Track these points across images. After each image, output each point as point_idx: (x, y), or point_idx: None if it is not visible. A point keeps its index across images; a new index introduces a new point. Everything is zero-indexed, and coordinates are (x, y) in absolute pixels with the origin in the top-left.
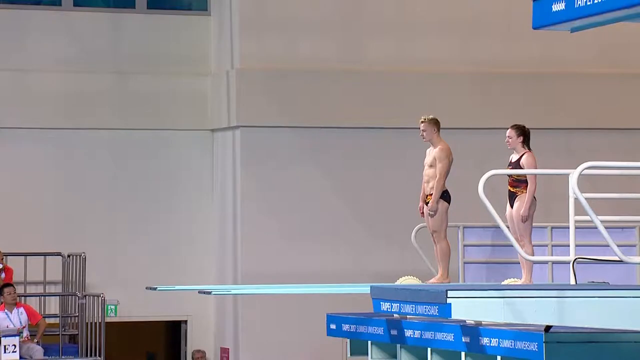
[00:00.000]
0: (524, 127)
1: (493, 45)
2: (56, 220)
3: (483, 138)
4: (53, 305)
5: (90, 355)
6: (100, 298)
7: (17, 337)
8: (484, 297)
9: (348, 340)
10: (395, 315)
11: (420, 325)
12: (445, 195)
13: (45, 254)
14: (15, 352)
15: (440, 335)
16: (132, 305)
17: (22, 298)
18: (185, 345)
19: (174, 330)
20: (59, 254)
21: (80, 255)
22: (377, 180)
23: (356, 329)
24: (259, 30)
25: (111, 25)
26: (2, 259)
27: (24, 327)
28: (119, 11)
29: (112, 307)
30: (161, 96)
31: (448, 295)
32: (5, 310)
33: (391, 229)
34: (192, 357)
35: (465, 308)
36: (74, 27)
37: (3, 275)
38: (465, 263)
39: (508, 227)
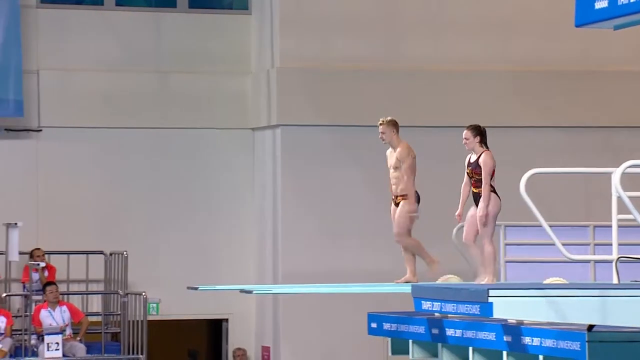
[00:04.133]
0: (479, 126)
1: (533, 43)
2: (98, 219)
3: (523, 137)
4: (95, 304)
5: (132, 353)
6: (142, 296)
7: (60, 335)
8: (526, 296)
9: (389, 339)
10: (437, 314)
11: (461, 325)
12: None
13: (87, 253)
14: (58, 350)
15: (481, 335)
16: (174, 303)
17: (65, 296)
18: (227, 343)
19: (215, 329)
20: (101, 252)
21: (122, 254)
22: (416, 177)
23: (397, 327)
24: (299, 29)
25: (153, 24)
26: (45, 257)
27: (66, 325)
28: (160, 10)
29: (154, 305)
30: (202, 95)
31: (490, 294)
32: (48, 309)
33: (431, 227)
34: (233, 356)
35: (507, 307)
36: (116, 27)
37: (46, 273)
38: (506, 262)
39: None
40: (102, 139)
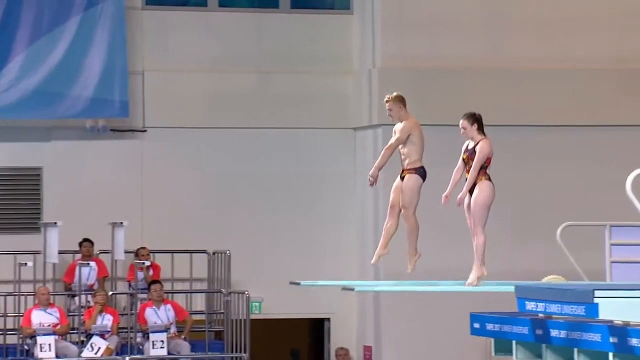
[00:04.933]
0: (475, 113)
1: None
2: (202, 218)
3: (628, 135)
4: (199, 302)
5: (236, 352)
6: (244, 295)
7: (165, 333)
8: (632, 296)
9: (492, 340)
10: (540, 315)
11: (566, 325)
12: (421, 171)
13: (191, 252)
14: (163, 347)
15: (587, 336)
16: (276, 302)
17: (169, 295)
18: (329, 342)
19: (317, 328)
20: (204, 251)
21: (225, 253)
22: (520, 177)
23: (500, 328)
24: (401, 28)
25: (255, 25)
26: (150, 256)
27: (171, 323)
28: (262, 11)
29: (257, 304)
30: (303, 95)
31: (595, 295)
32: (153, 307)
33: (534, 226)
34: (336, 355)
35: (613, 308)
36: (219, 28)
37: (151, 272)
38: (612, 262)
39: None
40: (205, 139)
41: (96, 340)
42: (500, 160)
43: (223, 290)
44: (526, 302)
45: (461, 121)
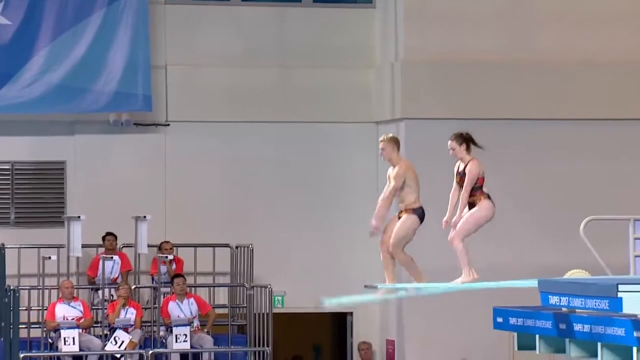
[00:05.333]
0: (463, 134)
1: None
2: (224, 212)
3: None
4: (222, 296)
5: (258, 346)
6: (267, 289)
7: (188, 327)
8: None
9: (515, 334)
10: (564, 309)
11: (589, 320)
12: (419, 212)
13: (214, 246)
14: (186, 341)
15: (610, 330)
16: (299, 296)
17: (192, 289)
18: (351, 336)
19: (339, 322)
20: (227, 245)
21: (247, 247)
22: (543, 172)
23: (523, 322)
24: (423, 22)
25: (277, 19)
26: (173, 250)
27: (194, 317)
28: (285, 5)
29: (279, 298)
30: (326, 89)
31: (619, 289)
32: (177, 301)
33: (558, 221)
34: (358, 349)
35: (637, 302)
36: (241, 22)
37: (174, 266)
38: (636, 256)
39: None
40: (228, 133)
41: (119, 333)
42: (523, 154)
43: (246, 284)
44: (549, 296)
45: (449, 142)
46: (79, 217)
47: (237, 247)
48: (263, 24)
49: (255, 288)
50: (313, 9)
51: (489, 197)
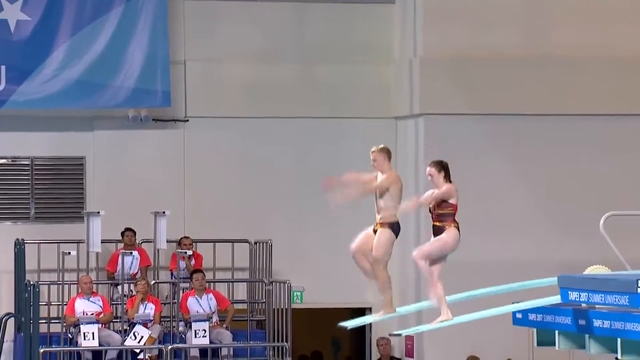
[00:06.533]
0: (442, 161)
1: None
2: (244, 208)
3: None
4: (241, 291)
5: (277, 341)
6: (286, 284)
7: (207, 322)
8: None
9: (534, 330)
10: (583, 305)
11: (609, 316)
12: (395, 227)
13: (233, 241)
14: (205, 336)
15: (630, 326)
16: (318, 291)
17: (211, 284)
18: (370, 332)
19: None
20: (246, 240)
21: (266, 242)
22: (563, 168)
23: (543, 318)
24: (442, 17)
25: (297, 15)
26: (192, 245)
27: (213, 312)
28: (304, 1)
29: (298, 293)
30: (345, 85)
31: (639, 285)
32: (196, 296)
33: (578, 217)
34: (377, 345)
35: None
36: (260, 18)
37: (193, 261)
38: None
39: None
40: (247, 128)
41: (139, 329)
42: (543, 150)
43: (265, 279)
44: (569, 292)
45: (428, 168)
46: (98, 212)
47: (256, 243)
48: (283, 19)
49: (274, 283)
50: (333, 5)
51: (457, 228)
